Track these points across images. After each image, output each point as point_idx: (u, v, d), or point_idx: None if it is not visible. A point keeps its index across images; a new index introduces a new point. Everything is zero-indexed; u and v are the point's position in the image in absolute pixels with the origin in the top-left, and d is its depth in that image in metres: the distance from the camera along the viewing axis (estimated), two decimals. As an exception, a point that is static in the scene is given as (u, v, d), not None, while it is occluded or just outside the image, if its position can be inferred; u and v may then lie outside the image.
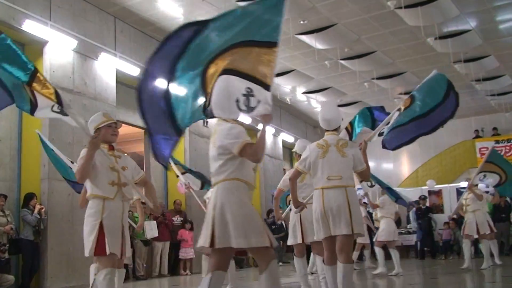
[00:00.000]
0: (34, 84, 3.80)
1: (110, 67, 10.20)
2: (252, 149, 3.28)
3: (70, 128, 8.94)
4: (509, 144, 17.47)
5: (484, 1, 10.29)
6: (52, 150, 6.56)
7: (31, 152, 8.67)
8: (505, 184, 8.29)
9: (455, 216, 11.78)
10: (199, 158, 12.71)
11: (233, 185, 3.34)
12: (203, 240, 3.30)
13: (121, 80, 10.74)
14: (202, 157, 12.83)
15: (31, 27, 8.43)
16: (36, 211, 8.17)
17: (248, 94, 3.16)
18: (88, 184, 4.08)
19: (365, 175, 4.65)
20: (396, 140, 5.09)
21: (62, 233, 8.60)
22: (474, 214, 8.84)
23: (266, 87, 3.14)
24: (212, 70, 3.22)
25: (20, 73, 3.77)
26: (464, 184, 9.46)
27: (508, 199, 14.38)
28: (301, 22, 10.75)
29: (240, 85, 3.17)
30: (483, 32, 11.72)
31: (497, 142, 17.63)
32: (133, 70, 10.75)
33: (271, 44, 3.11)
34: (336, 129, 4.65)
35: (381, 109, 5.68)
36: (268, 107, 3.16)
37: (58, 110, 3.98)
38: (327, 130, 4.66)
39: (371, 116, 5.56)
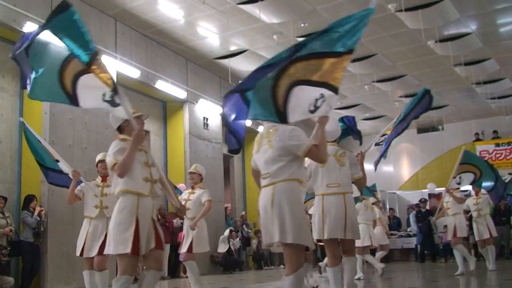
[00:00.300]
0: (94, 67, 3.58)
1: (111, 69, 10.17)
2: (318, 151, 3.43)
3: (71, 131, 8.96)
4: (509, 147, 17.46)
5: (484, 4, 10.30)
6: (39, 141, 6.28)
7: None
8: (480, 180, 8.41)
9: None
10: (199, 160, 12.71)
11: (293, 185, 3.45)
12: (276, 236, 3.36)
13: (122, 82, 10.73)
14: (202, 159, 12.84)
15: (32, 29, 8.40)
16: (36, 213, 8.17)
17: (320, 98, 3.29)
18: (119, 179, 3.83)
19: (362, 183, 5.04)
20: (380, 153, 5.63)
21: (62, 235, 8.59)
22: (455, 218, 8.85)
23: (335, 90, 3.26)
24: (285, 78, 3.28)
25: (81, 51, 3.54)
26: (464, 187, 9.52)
27: (508, 202, 14.40)
28: (302, 25, 10.77)
29: (313, 92, 3.27)
30: (483, 35, 11.73)
31: (497, 145, 17.64)
32: (134, 72, 10.77)
33: (350, 52, 3.27)
34: (335, 140, 5.01)
35: (352, 118, 6.15)
36: (328, 109, 3.30)
37: (110, 99, 3.68)
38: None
39: (343, 122, 6.01)
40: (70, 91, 3.68)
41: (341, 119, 6.11)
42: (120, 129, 4.03)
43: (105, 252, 3.86)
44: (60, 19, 3.51)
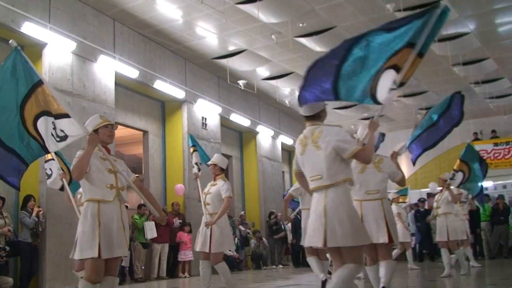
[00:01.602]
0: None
1: (109, 70, 10.20)
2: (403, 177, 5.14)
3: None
4: (507, 146, 17.49)
5: (483, 4, 10.31)
6: (41, 80, 4.18)
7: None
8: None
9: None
10: (198, 160, 12.69)
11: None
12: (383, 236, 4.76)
13: (120, 82, 10.74)
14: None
15: (30, 29, 8.43)
16: (34, 213, 8.16)
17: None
18: (343, 167, 3.56)
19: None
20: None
21: (61, 235, 8.58)
22: None
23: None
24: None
25: (423, 44, 3.62)
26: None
27: (506, 201, 14.42)
28: (300, 24, 10.77)
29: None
30: (482, 35, 11.74)
31: (495, 144, 17.66)
32: (132, 72, 10.76)
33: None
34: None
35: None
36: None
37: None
38: None
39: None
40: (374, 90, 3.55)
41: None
42: (315, 116, 3.77)
43: (342, 244, 3.44)
44: (429, 13, 3.51)
